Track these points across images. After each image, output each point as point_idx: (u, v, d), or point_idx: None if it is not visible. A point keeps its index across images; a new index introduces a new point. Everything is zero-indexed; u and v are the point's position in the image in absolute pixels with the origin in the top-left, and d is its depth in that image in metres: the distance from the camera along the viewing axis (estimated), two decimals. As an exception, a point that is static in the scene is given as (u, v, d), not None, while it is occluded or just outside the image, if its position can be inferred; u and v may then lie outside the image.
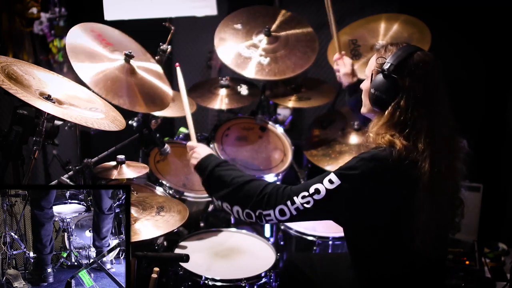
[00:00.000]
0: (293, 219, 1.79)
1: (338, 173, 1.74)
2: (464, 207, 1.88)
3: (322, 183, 1.74)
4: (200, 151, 2.13)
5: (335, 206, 1.75)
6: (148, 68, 2.63)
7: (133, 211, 2.14)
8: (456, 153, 1.83)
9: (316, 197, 1.74)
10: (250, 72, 3.13)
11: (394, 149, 1.71)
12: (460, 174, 1.84)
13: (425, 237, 1.73)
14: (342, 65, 2.69)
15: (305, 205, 1.75)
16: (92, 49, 2.38)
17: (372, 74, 1.83)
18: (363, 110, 1.93)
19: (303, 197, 1.75)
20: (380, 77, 1.79)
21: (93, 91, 2.23)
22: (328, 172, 1.76)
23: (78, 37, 2.37)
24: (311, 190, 1.75)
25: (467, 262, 3.02)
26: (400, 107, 1.75)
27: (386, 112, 1.78)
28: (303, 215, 1.77)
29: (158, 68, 2.71)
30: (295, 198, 1.77)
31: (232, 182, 1.91)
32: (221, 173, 1.98)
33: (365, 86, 1.90)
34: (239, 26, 3.30)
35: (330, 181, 1.73)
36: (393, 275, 1.82)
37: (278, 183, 1.93)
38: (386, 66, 1.77)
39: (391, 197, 1.73)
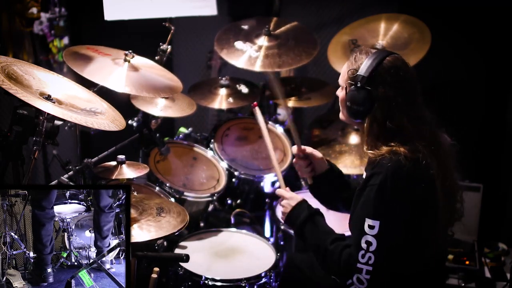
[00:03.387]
0: (372, 281, 1.73)
1: (370, 215, 1.72)
2: (462, 191, 1.90)
3: (366, 233, 1.72)
4: (288, 204, 2.02)
5: (392, 242, 1.73)
6: (151, 65, 2.69)
7: (133, 212, 2.14)
8: (443, 144, 1.85)
9: (371, 249, 1.71)
10: (239, 62, 3.13)
11: (400, 155, 1.72)
12: (453, 164, 1.86)
13: (443, 234, 1.77)
14: (299, 168, 2.20)
15: (369, 263, 1.72)
16: (93, 59, 2.47)
17: (346, 87, 1.85)
18: (341, 117, 1.94)
19: (363, 256, 1.72)
20: (354, 89, 1.80)
21: (95, 91, 2.25)
22: (361, 219, 1.73)
23: (77, 54, 2.46)
24: (363, 245, 1.72)
25: (467, 262, 3.01)
26: (377, 117, 1.77)
27: (366, 124, 1.80)
28: (376, 273, 1.72)
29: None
30: (358, 265, 1.73)
31: (314, 250, 1.90)
32: (305, 235, 1.95)
33: (340, 95, 1.91)
34: (245, 26, 3.32)
35: (371, 227, 1.71)
36: (397, 275, 1.82)
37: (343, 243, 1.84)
38: (358, 78, 1.78)
39: (419, 200, 1.74)
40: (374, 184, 1.73)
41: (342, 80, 1.89)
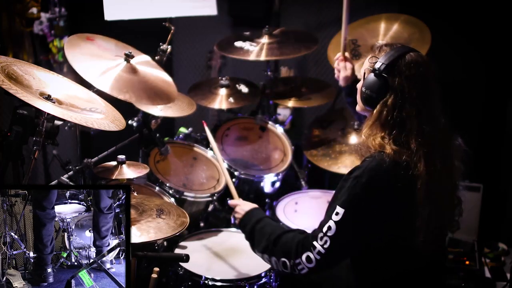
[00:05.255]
0: (321, 264, 1.78)
1: (340, 203, 1.76)
2: (462, 205, 1.90)
3: (331, 218, 1.76)
4: (241, 209, 2.18)
5: (348, 235, 1.76)
6: (149, 67, 2.68)
7: (133, 213, 2.14)
8: (452, 151, 1.84)
9: (329, 234, 1.75)
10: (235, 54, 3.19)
11: (384, 154, 1.73)
12: (457, 172, 1.86)
13: (426, 237, 1.74)
14: (343, 68, 2.61)
15: (324, 246, 1.76)
16: (92, 53, 2.45)
17: (364, 74, 1.86)
18: (357, 108, 1.95)
19: (321, 238, 1.77)
20: (371, 76, 1.81)
21: (95, 91, 2.25)
22: (333, 205, 1.78)
23: (77, 45, 2.45)
24: (325, 229, 1.76)
25: (467, 262, 3.02)
26: (388, 105, 1.77)
27: (375, 111, 1.80)
28: (327, 257, 1.76)
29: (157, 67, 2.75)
30: (314, 242, 1.78)
31: (270, 236, 1.95)
32: (262, 229, 2.03)
33: (359, 85, 1.91)
34: (247, 33, 3.34)
35: (336, 214, 1.75)
36: (394, 276, 1.82)
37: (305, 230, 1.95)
38: (377, 65, 1.79)
39: (392, 202, 1.74)
40: (351, 177, 1.77)
41: (362, 70, 1.90)
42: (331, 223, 1.75)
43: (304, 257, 1.80)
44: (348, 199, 1.74)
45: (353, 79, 2.58)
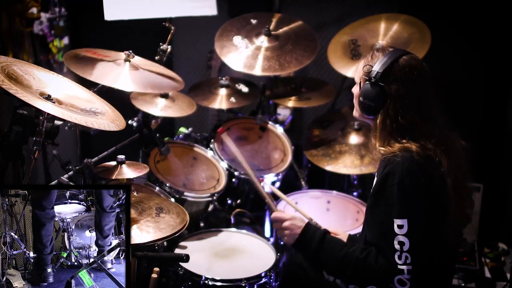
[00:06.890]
0: (414, 280, 1.70)
1: (397, 215, 1.71)
2: (472, 196, 1.92)
3: (396, 234, 1.70)
4: (293, 225, 1.95)
5: (422, 237, 1.71)
6: (146, 63, 2.71)
7: (133, 212, 2.14)
8: (459, 150, 1.85)
9: (406, 248, 1.70)
10: (229, 61, 3.17)
11: (412, 152, 1.73)
12: (465, 163, 1.87)
13: (454, 232, 1.77)
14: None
15: (407, 262, 1.69)
16: (95, 62, 2.49)
17: (360, 82, 1.87)
18: (355, 114, 1.96)
19: (399, 257, 1.70)
20: (367, 85, 1.81)
21: (95, 91, 2.26)
22: (389, 221, 1.71)
23: (78, 58, 2.49)
24: (397, 246, 1.70)
25: (467, 262, 3.02)
26: (389, 113, 1.78)
27: (378, 121, 1.81)
28: (417, 270, 1.70)
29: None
30: (399, 267, 1.70)
31: (343, 261, 1.82)
32: (324, 254, 1.87)
33: (355, 91, 1.92)
34: (254, 21, 3.33)
35: (400, 227, 1.70)
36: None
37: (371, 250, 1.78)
38: (372, 74, 1.80)
39: (431, 197, 1.73)
40: (393, 184, 1.72)
41: (357, 76, 1.91)
42: (400, 238, 1.69)
43: (396, 280, 1.71)
44: (405, 208, 1.70)
45: None
